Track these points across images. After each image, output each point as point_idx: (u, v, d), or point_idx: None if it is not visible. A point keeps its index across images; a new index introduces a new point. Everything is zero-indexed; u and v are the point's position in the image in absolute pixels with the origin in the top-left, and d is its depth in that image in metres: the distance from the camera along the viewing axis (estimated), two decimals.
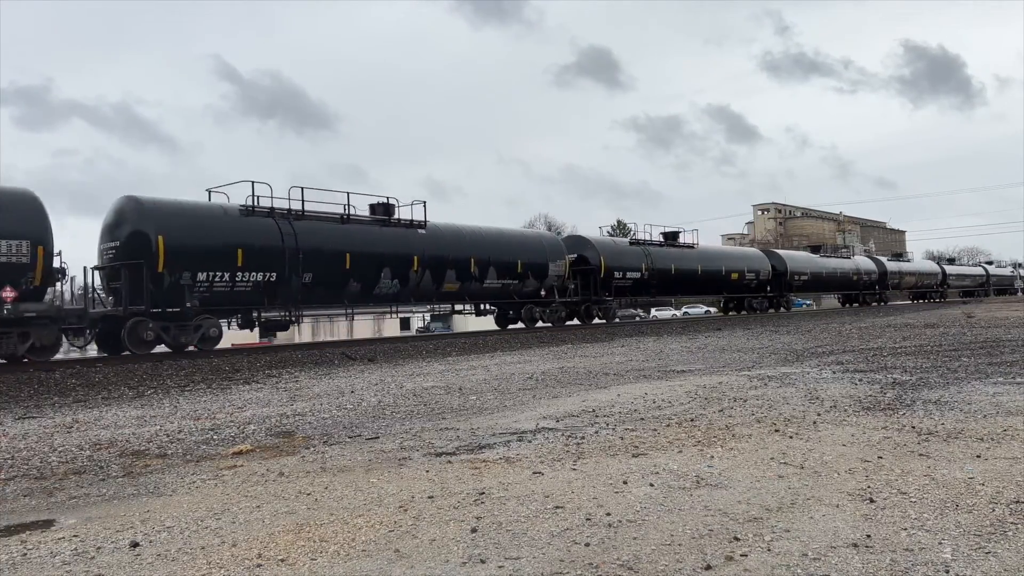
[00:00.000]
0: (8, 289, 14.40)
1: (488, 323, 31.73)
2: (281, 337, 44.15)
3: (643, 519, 3.68)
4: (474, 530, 3.60)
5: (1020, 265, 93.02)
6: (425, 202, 23.36)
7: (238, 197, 19.70)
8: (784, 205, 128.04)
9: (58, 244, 15.52)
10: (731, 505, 3.87)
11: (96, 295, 17.84)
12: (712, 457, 5.03)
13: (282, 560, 3.29)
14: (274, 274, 19.08)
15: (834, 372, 10.19)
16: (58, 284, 16.10)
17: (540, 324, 27.53)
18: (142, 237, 17.14)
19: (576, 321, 29.50)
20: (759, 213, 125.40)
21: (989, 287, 74.89)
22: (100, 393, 10.84)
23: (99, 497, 4.69)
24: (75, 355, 19.79)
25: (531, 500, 4.10)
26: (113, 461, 5.76)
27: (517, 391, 9.28)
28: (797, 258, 44.59)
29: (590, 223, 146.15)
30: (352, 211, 21.64)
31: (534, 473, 4.75)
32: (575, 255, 29.56)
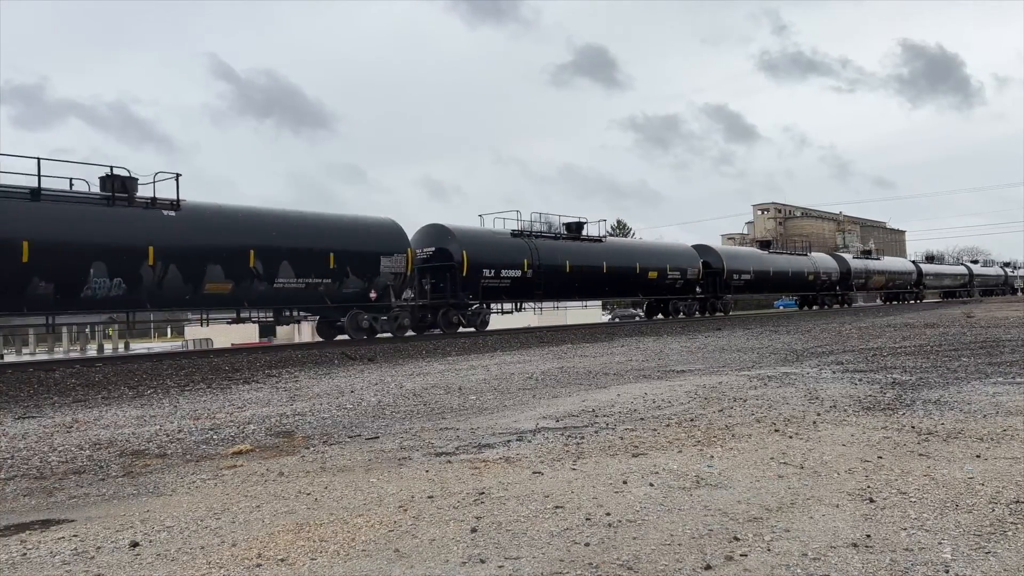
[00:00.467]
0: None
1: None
2: (281, 336, 44.28)
3: (643, 519, 3.68)
4: (474, 530, 3.60)
5: (1008, 265, 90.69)
6: (179, 175, 17.53)
7: None
8: (784, 205, 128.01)
9: None
10: (731, 505, 3.87)
11: None
12: (712, 457, 5.03)
13: (282, 560, 3.29)
14: None
15: (834, 372, 10.19)
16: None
17: (381, 335, 21.78)
18: None
19: (438, 331, 24.19)
20: (759, 213, 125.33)
21: (972, 287, 70.57)
22: (100, 393, 10.84)
23: (99, 497, 4.69)
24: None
25: (531, 500, 4.10)
26: (113, 461, 5.76)
27: (517, 391, 9.28)
28: (738, 255, 39.50)
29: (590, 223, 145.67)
30: (73, 185, 16.17)
31: (534, 473, 4.75)
32: (432, 248, 24.27)
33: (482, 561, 3.17)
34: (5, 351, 40.06)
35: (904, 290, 57.43)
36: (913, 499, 3.87)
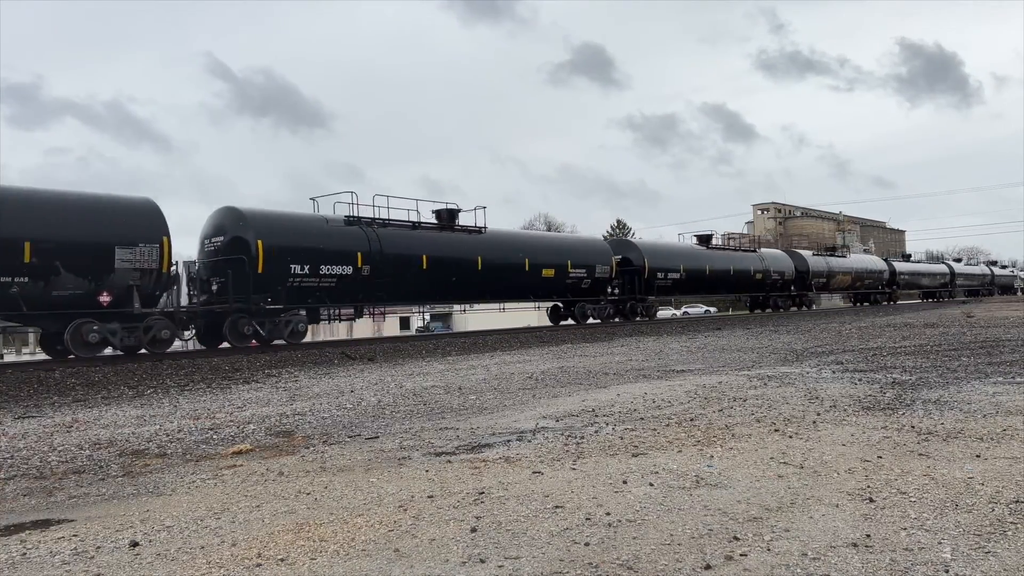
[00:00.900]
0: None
1: None
2: None
3: (643, 519, 3.69)
4: (474, 530, 3.60)
5: (994, 263, 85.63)
6: None
7: None
8: (784, 205, 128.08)
9: None
10: (731, 505, 3.87)
11: None
12: (712, 457, 5.03)
13: (282, 560, 3.29)
14: None
15: (834, 372, 10.19)
16: None
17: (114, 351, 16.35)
18: None
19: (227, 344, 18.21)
20: (759, 213, 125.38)
21: (954, 287, 65.25)
22: (100, 393, 10.84)
23: (99, 496, 4.69)
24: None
25: (531, 500, 4.10)
26: (113, 460, 5.76)
27: (517, 391, 9.28)
28: (665, 251, 33.40)
29: (589, 223, 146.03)
30: None
31: (534, 473, 4.76)
32: (221, 238, 18.51)
33: (482, 561, 3.17)
34: (5, 351, 40.02)
35: (875, 291, 51.93)
36: (913, 499, 3.87)
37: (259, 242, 18.12)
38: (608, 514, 3.77)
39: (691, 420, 6.55)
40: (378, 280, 20.50)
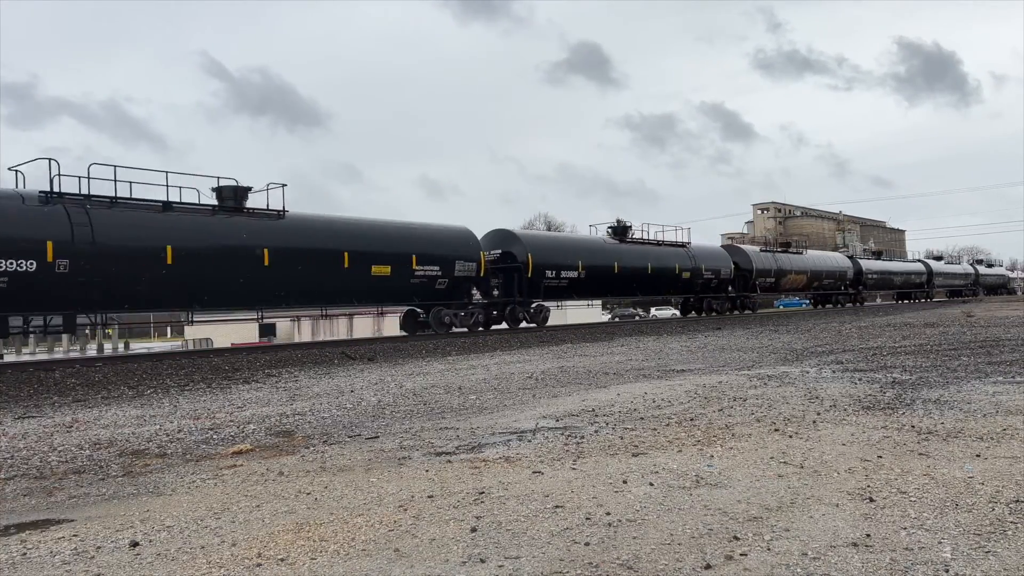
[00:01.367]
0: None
1: None
2: (281, 336, 44.28)
3: (643, 518, 3.68)
4: (474, 529, 3.60)
5: (980, 262, 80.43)
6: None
7: None
8: (784, 204, 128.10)
9: None
10: (731, 504, 3.87)
11: None
12: (712, 456, 5.03)
13: (282, 560, 3.29)
14: None
15: (834, 371, 10.19)
16: None
17: None
18: None
19: None
20: (759, 212, 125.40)
21: (931, 288, 61.33)
22: (100, 393, 10.84)
23: (99, 496, 4.69)
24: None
25: (531, 499, 4.10)
26: (113, 460, 5.76)
27: (517, 390, 9.28)
28: (559, 245, 27.77)
29: (588, 222, 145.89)
30: None
31: (534, 472, 4.75)
32: None
33: (482, 561, 3.17)
34: (5, 351, 40.03)
35: (836, 292, 46.99)
36: (913, 498, 3.88)
37: None
38: (608, 514, 3.77)
39: (691, 420, 6.55)
40: (85, 280, 15.00)
